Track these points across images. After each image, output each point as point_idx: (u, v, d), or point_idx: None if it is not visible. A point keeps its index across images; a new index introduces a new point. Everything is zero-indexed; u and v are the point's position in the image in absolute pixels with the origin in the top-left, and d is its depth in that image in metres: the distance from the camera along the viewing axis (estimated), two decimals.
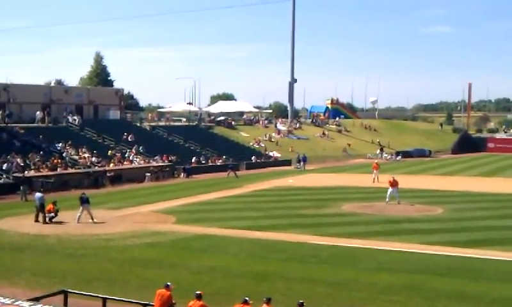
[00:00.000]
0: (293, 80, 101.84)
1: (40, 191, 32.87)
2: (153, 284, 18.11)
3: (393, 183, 38.87)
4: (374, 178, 50.67)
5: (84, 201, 31.22)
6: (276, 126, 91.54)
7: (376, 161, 59.23)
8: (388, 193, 38.42)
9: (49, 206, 31.35)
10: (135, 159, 57.36)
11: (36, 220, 30.89)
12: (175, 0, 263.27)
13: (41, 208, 31.00)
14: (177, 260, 23.03)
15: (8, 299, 14.41)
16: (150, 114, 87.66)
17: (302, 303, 14.25)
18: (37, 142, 53.40)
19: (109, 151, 56.95)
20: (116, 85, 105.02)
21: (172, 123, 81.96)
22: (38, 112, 60.23)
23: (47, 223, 30.58)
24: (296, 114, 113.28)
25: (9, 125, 55.82)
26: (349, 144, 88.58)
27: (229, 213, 34.97)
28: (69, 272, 21.03)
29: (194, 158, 62.88)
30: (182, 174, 56.81)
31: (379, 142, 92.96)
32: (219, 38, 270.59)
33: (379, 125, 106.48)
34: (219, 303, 16.62)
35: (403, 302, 18.28)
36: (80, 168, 50.84)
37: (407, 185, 45.58)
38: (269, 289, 18.07)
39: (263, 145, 78.31)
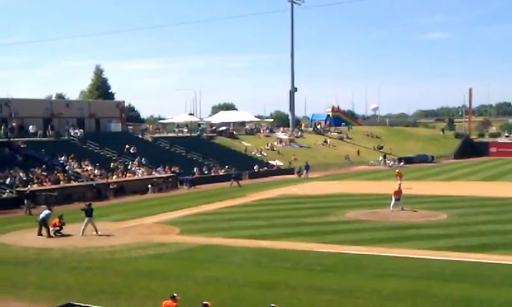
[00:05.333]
0: (293, 89, 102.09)
1: (49, 209, 32.59)
2: (158, 295, 18.10)
3: (397, 192, 38.79)
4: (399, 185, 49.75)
5: (89, 213, 31.18)
6: (275, 133, 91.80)
7: (397, 170, 58.16)
8: (393, 202, 38.23)
9: (55, 220, 31.33)
10: (137, 171, 57.40)
11: (39, 234, 30.85)
12: (175, 11, 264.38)
13: (43, 222, 30.88)
14: (182, 271, 22.98)
15: None
16: (151, 126, 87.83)
17: None
18: (39, 156, 53.50)
19: (112, 164, 57.03)
20: (117, 97, 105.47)
21: (174, 134, 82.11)
22: (30, 127, 60.20)
23: (52, 237, 30.57)
24: (297, 123, 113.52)
25: (11, 139, 55.90)
26: (358, 151, 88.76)
27: (233, 223, 34.92)
28: (74, 285, 20.99)
29: (196, 168, 62.89)
30: (185, 185, 56.82)
31: (378, 147, 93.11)
32: (219, 48, 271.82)
33: (380, 132, 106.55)
34: None
35: None
36: (83, 181, 50.89)
37: (410, 191, 45.56)
38: (274, 298, 18.02)
39: (265, 154, 78.39)
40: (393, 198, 38.37)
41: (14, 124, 59.79)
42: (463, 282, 20.80)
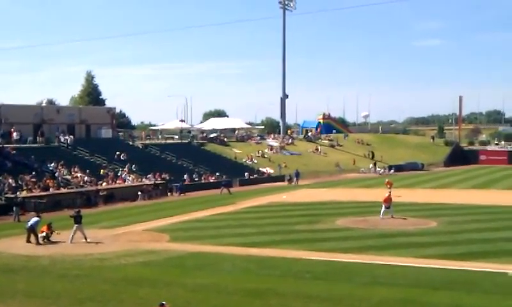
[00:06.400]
0: (284, 96, 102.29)
1: (38, 216, 32.41)
2: (147, 303, 18.03)
3: (387, 200, 38.80)
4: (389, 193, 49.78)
5: (78, 220, 31.02)
6: (266, 140, 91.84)
7: (387, 179, 57.69)
8: (383, 210, 38.29)
9: (43, 228, 31.13)
10: (128, 178, 57.21)
11: (28, 241, 30.67)
12: (166, 18, 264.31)
13: (31, 230, 30.70)
14: (171, 278, 22.89)
15: None
16: (143, 132, 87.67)
17: None
18: (29, 162, 53.23)
19: (102, 170, 56.86)
20: (108, 104, 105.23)
21: (164, 141, 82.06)
22: (15, 134, 59.77)
23: (40, 244, 30.39)
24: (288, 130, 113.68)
25: (0, 145, 55.59)
26: (354, 161, 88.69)
27: (223, 230, 34.85)
28: (63, 292, 20.87)
29: (187, 175, 62.79)
30: (175, 192, 56.69)
31: (371, 153, 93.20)
32: (210, 55, 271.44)
33: (371, 139, 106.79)
34: None
35: None
36: (72, 188, 50.66)
37: (400, 199, 45.65)
38: (263, 306, 17.99)
39: (256, 161, 78.38)
40: (384, 206, 38.44)
41: (12, 130, 59.56)
42: (452, 290, 20.81)
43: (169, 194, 56.48)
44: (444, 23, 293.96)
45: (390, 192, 44.42)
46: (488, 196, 52.44)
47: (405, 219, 38.07)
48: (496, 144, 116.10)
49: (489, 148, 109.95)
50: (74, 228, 30.94)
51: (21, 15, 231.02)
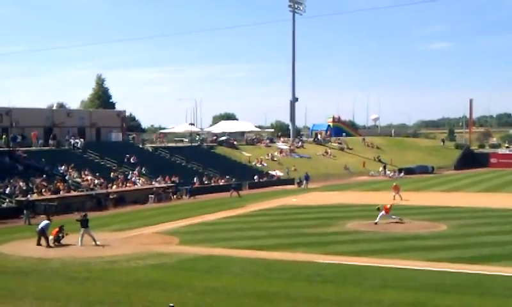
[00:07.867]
0: (294, 99, 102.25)
1: (48, 219, 32.53)
2: (157, 306, 18.04)
3: (388, 210, 38.15)
4: (394, 196, 49.74)
5: (84, 224, 31.07)
6: (275, 143, 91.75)
7: (394, 183, 56.48)
8: (380, 215, 37.63)
9: (54, 231, 31.21)
10: (138, 181, 57.33)
11: (38, 244, 30.78)
12: (176, 21, 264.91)
13: (42, 232, 30.82)
14: (181, 281, 22.91)
15: None
16: (154, 136, 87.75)
17: None
18: (40, 165, 53.45)
19: (112, 173, 57.00)
20: (118, 107, 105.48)
21: (174, 144, 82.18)
22: (18, 136, 59.73)
23: (51, 247, 30.49)
24: (298, 133, 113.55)
25: (12, 148, 55.83)
26: (364, 163, 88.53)
27: (232, 233, 34.86)
28: (73, 295, 20.91)
29: (196, 178, 62.83)
30: (185, 195, 56.73)
31: (379, 158, 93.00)
32: (220, 58, 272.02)
33: (381, 142, 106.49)
34: None
35: None
36: (83, 191, 50.80)
37: (410, 202, 45.55)
38: None
39: (265, 164, 78.33)
40: (384, 214, 37.53)
41: (33, 134, 59.82)
42: (463, 294, 20.70)
43: (174, 196, 55.95)
44: (452, 26, 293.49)
45: (394, 197, 44.18)
46: (498, 199, 52.16)
47: (415, 222, 37.85)
48: (507, 147, 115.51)
49: (499, 151, 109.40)
50: (81, 231, 31.00)
51: (29, 19, 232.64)
